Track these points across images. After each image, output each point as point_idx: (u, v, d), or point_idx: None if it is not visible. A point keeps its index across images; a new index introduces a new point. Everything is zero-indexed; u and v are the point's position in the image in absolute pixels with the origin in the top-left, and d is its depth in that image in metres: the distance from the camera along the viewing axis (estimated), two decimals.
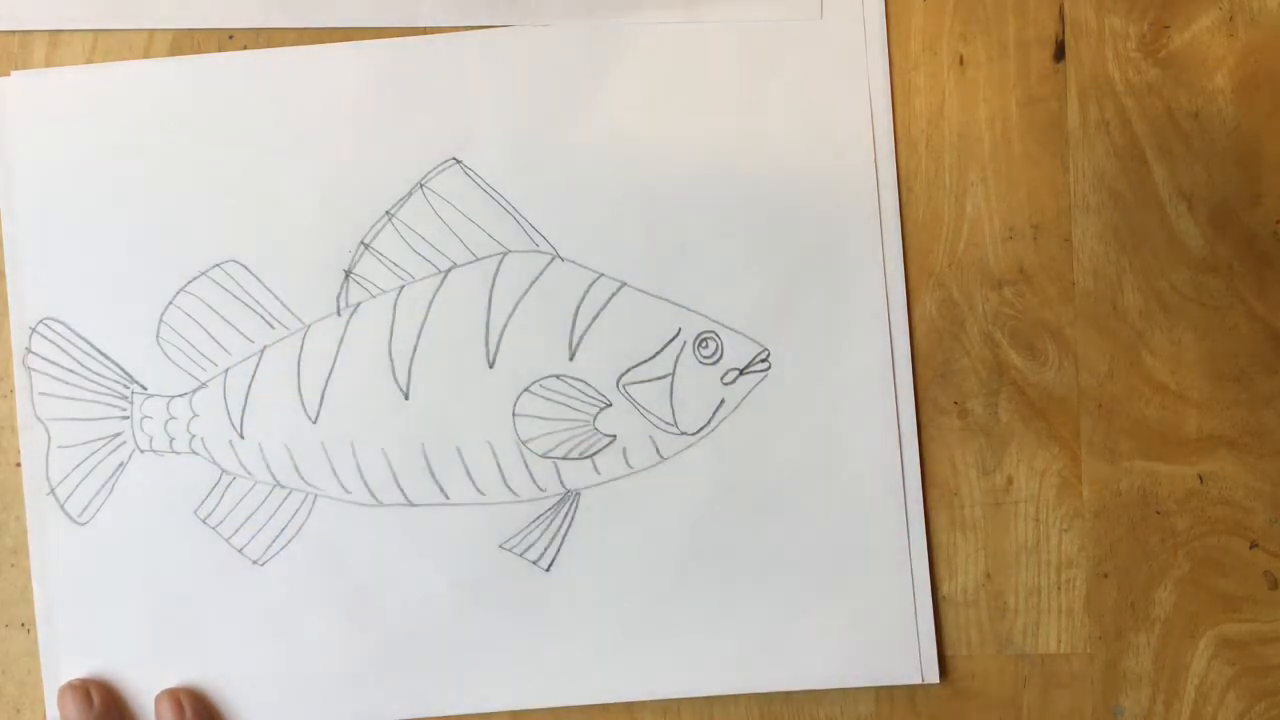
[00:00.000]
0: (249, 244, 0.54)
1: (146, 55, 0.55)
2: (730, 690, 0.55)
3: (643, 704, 0.55)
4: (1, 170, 0.54)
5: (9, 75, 0.54)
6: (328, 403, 0.54)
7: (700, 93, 0.55)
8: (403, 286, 0.54)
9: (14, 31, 0.54)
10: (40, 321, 0.54)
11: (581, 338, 0.55)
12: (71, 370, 0.54)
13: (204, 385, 0.54)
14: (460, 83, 0.55)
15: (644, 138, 0.55)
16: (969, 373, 0.55)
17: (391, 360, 0.54)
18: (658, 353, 0.55)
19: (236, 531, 0.54)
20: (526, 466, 0.54)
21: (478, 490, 0.54)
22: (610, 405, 0.55)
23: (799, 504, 0.55)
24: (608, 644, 0.55)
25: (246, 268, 0.54)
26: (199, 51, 0.55)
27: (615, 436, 0.55)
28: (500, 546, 0.55)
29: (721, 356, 0.55)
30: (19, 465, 0.54)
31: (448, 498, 0.54)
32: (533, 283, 0.55)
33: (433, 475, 0.54)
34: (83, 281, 0.54)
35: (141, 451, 0.54)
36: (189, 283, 0.54)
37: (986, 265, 0.55)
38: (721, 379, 0.55)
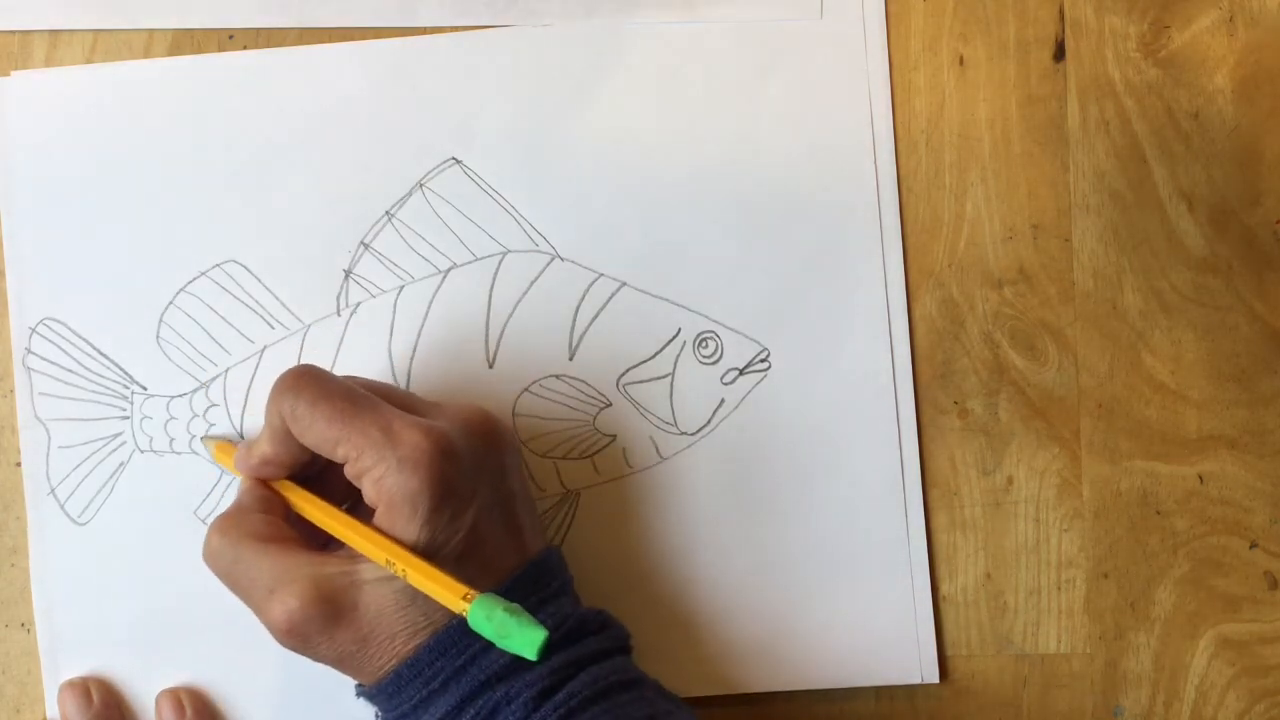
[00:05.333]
0: (249, 244, 0.54)
1: (146, 55, 0.55)
2: (730, 690, 0.55)
3: None
4: (1, 170, 0.54)
5: (9, 75, 0.54)
6: None
7: (700, 93, 0.55)
8: (403, 286, 0.54)
9: (14, 31, 0.54)
10: (40, 321, 0.54)
11: (581, 338, 0.55)
12: (71, 370, 0.54)
13: (204, 385, 0.54)
14: (460, 83, 0.55)
15: (644, 138, 0.55)
16: (969, 373, 0.55)
17: (391, 360, 0.54)
18: (658, 353, 0.55)
19: None
20: (526, 467, 0.54)
21: None
22: (610, 405, 0.55)
23: (799, 504, 0.55)
24: None
25: (246, 268, 0.54)
26: (199, 51, 0.55)
27: (615, 436, 0.55)
28: None
29: (721, 356, 0.55)
30: (19, 465, 0.54)
31: None
32: (533, 283, 0.55)
33: None
34: (83, 281, 0.54)
35: (141, 452, 0.54)
36: (189, 283, 0.54)
37: (986, 265, 0.55)
38: (721, 379, 0.55)
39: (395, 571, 0.45)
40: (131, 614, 0.54)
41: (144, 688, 0.54)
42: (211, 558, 0.48)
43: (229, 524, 0.48)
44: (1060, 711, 0.56)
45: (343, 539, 0.47)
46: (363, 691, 0.48)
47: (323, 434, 0.46)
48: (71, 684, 0.53)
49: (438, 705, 0.46)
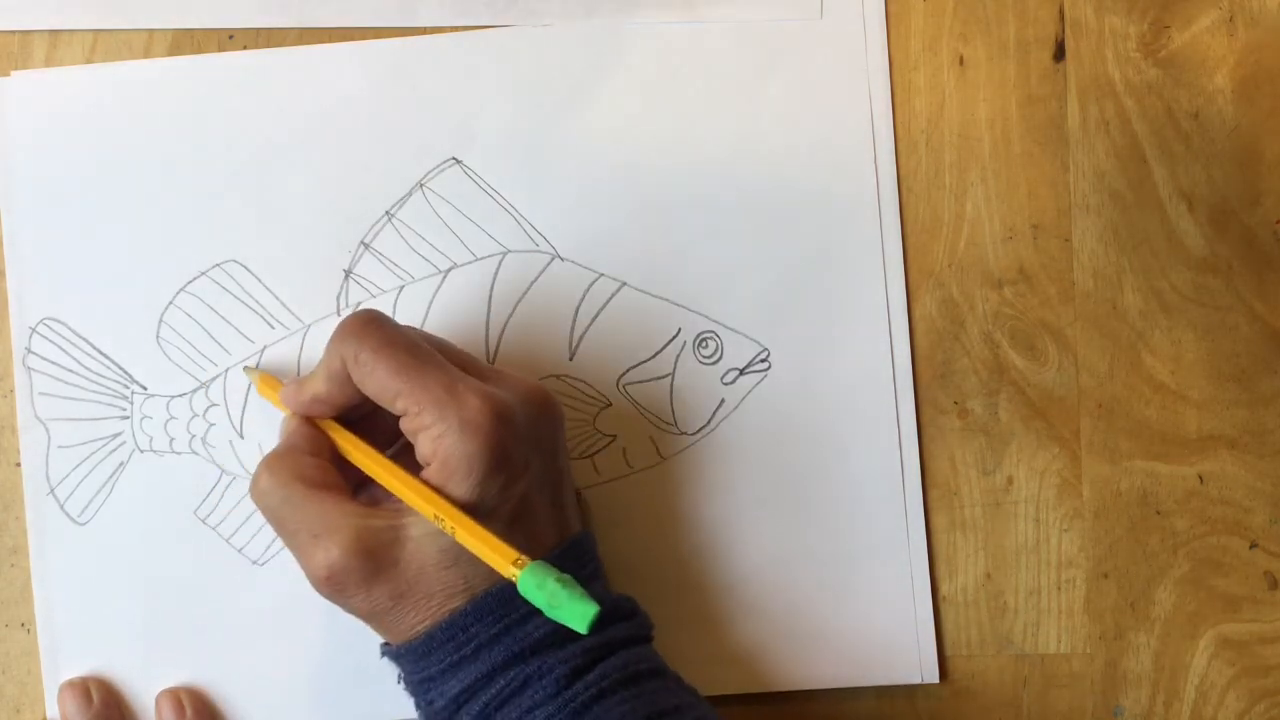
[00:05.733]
0: (249, 244, 0.54)
1: (146, 55, 0.55)
2: (730, 690, 0.55)
3: None
4: (1, 170, 0.54)
5: (9, 75, 0.54)
6: None
7: (700, 93, 0.55)
8: (403, 286, 0.54)
9: (14, 31, 0.54)
10: (40, 321, 0.54)
11: (581, 338, 0.55)
12: (71, 370, 0.54)
13: (204, 385, 0.54)
14: (460, 83, 0.55)
15: (644, 138, 0.55)
16: (969, 373, 0.55)
17: None
18: (658, 353, 0.55)
19: (236, 531, 0.54)
20: None
21: None
22: (610, 405, 0.55)
23: (799, 504, 0.55)
24: None
25: (246, 268, 0.54)
26: (199, 51, 0.55)
27: (615, 436, 0.55)
28: None
29: (721, 356, 0.55)
30: (19, 465, 0.54)
31: None
32: (533, 283, 0.55)
33: None
34: (83, 281, 0.54)
35: (141, 451, 0.54)
36: (189, 283, 0.54)
37: (986, 265, 0.55)
38: (721, 379, 0.55)
39: (443, 528, 0.45)
40: (131, 614, 0.54)
41: (144, 688, 0.54)
42: (260, 495, 0.48)
43: (279, 463, 0.48)
44: (1060, 711, 0.56)
45: (391, 489, 0.47)
46: (389, 651, 0.48)
47: (384, 384, 0.46)
48: (71, 684, 0.53)
49: (466, 672, 0.45)
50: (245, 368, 0.54)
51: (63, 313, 0.54)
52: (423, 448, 0.46)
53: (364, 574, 0.45)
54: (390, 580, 0.46)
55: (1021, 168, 0.55)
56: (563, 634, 0.45)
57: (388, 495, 0.47)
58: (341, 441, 0.49)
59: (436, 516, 0.45)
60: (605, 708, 0.45)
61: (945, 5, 0.55)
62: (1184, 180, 0.55)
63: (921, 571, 0.55)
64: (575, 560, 0.48)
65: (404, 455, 0.48)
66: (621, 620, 0.48)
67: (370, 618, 0.47)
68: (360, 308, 0.48)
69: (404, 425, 0.46)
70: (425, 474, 0.46)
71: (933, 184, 0.55)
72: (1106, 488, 0.56)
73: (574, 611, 0.42)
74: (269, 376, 0.52)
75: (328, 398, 0.48)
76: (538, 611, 0.44)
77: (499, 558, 0.44)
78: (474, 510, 0.45)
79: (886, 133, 0.55)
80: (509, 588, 0.44)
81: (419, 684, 0.47)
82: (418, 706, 0.47)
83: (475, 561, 0.45)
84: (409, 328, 0.49)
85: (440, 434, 0.45)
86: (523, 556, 0.44)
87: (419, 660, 0.46)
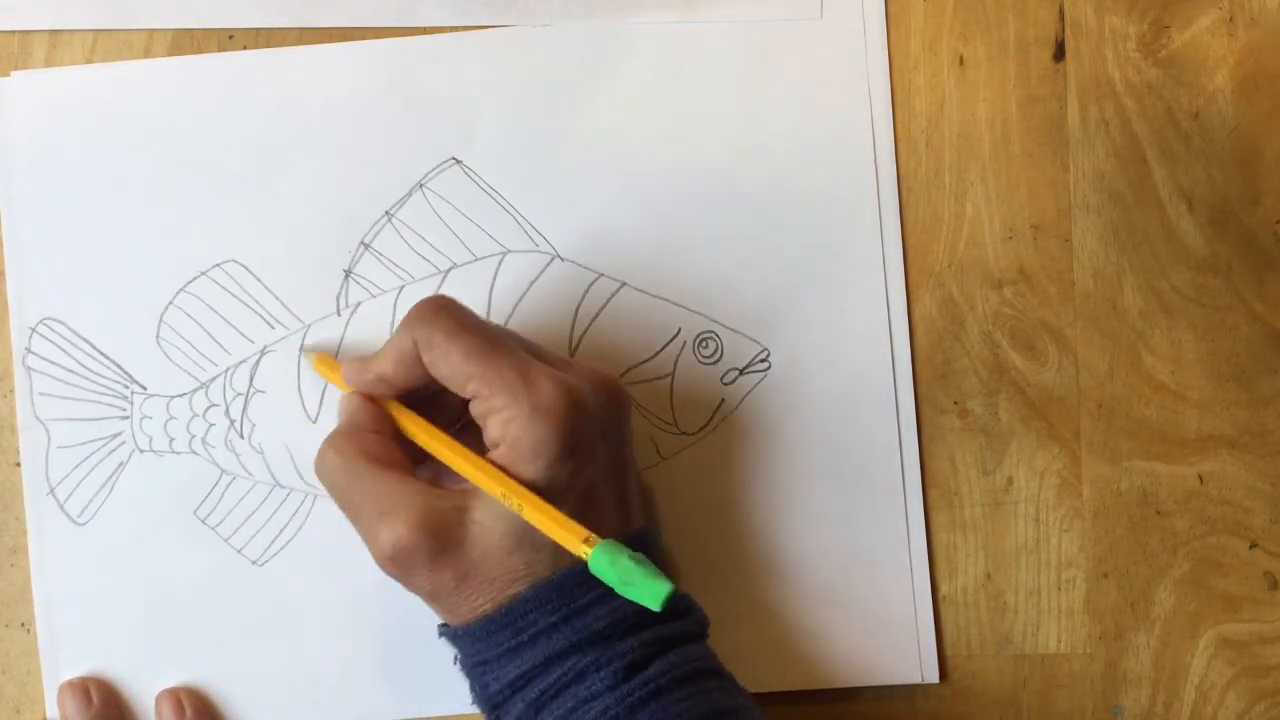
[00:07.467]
0: (249, 244, 0.54)
1: (146, 55, 0.55)
2: None
3: None
4: (1, 170, 0.54)
5: (9, 75, 0.54)
6: (328, 403, 0.54)
7: (700, 93, 0.55)
8: (403, 286, 0.54)
9: (14, 31, 0.54)
10: (40, 321, 0.54)
11: (581, 338, 0.55)
12: (71, 370, 0.54)
13: (204, 385, 0.54)
14: (460, 83, 0.55)
15: (644, 138, 0.55)
16: (969, 373, 0.55)
17: None
18: (658, 353, 0.55)
19: (236, 532, 0.54)
20: None
21: None
22: None
23: (799, 504, 0.55)
24: None
25: (246, 268, 0.54)
26: (199, 51, 0.55)
27: None
28: None
29: (721, 356, 0.55)
30: (19, 465, 0.54)
31: None
32: (533, 283, 0.55)
33: None
34: (83, 281, 0.54)
35: (141, 451, 0.54)
36: (189, 283, 0.54)
37: (986, 265, 0.55)
38: (721, 379, 0.55)
39: (511, 506, 0.45)
40: (131, 614, 0.54)
41: (144, 688, 0.54)
42: (325, 472, 0.48)
43: (344, 440, 0.48)
44: (1060, 711, 0.56)
45: (457, 469, 0.47)
46: (446, 632, 0.48)
47: (457, 368, 0.46)
48: (71, 684, 0.53)
49: (523, 659, 0.46)
50: (303, 349, 0.53)
51: (63, 313, 0.54)
52: (492, 430, 0.46)
53: (429, 553, 0.45)
54: (455, 561, 0.46)
55: (1021, 168, 0.55)
56: (621, 628, 0.45)
57: (449, 477, 0.47)
58: (405, 421, 0.49)
59: (504, 495, 0.45)
60: (662, 704, 0.45)
61: (945, 5, 0.55)
62: (1184, 180, 0.55)
63: (921, 571, 0.55)
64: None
65: (464, 439, 0.48)
66: (678, 617, 0.48)
67: (433, 598, 0.47)
68: (433, 294, 0.48)
69: (474, 408, 0.46)
70: (493, 455, 0.46)
71: (933, 184, 0.55)
72: (1106, 488, 0.56)
73: (647, 589, 0.42)
74: (326, 356, 0.52)
75: (393, 378, 0.48)
76: (597, 603, 0.44)
77: (569, 535, 0.44)
78: (541, 493, 0.45)
79: (886, 133, 0.55)
80: (570, 577, 0.45)
81: (475, 666, 0.47)
82: (472, 689, 0.48)
83: (538, 548, 0.45)
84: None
85: (511, 417, 0.45)
86: (593, 535, 0.44)
87: (477, 643, 0.46)
